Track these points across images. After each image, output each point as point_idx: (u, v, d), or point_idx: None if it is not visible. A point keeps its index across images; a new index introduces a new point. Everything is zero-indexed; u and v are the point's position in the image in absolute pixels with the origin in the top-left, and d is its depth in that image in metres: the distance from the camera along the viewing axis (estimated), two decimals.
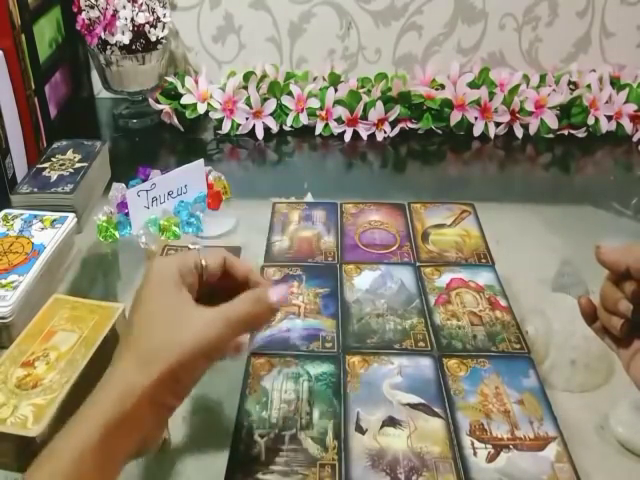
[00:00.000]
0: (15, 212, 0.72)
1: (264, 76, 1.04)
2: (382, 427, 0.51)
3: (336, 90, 1.00)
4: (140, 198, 0.74)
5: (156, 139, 1.02)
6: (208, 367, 0.43)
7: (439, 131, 1.01)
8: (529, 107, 0.99)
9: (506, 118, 1.00)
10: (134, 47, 0.96)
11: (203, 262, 0.46)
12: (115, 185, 0.79)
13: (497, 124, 1.00)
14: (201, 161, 0.79)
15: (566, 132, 1.01)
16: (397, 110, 0.99)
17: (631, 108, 0.99)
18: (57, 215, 0.71)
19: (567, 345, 0.57)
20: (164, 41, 0.98)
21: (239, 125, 1.00)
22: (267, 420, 0.51)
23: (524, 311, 0.63)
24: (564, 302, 0.63)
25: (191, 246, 0.46)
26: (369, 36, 1.07)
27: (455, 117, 0.99)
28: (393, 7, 1.05)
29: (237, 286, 0.47)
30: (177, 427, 0.53)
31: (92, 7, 0.94)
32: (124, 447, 0.40)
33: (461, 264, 0.68)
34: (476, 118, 1.00)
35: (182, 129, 1.01)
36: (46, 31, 0.96)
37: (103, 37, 0.94)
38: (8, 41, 0.81)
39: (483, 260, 0.69)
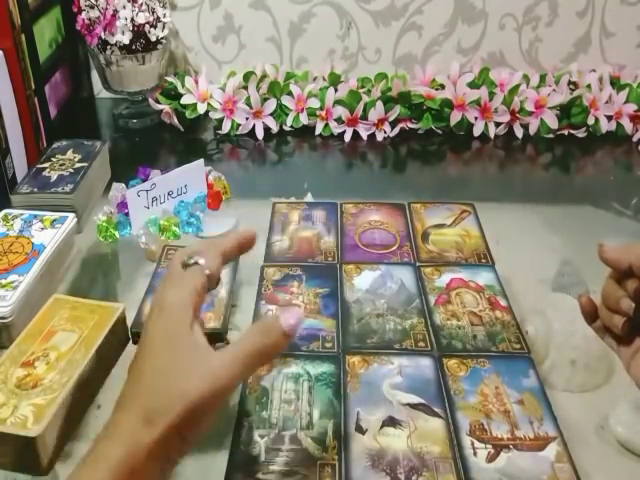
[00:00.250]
0: (15, 212, 0.72)
1: (264, 76, 1.04)
2: (382, 427, 0.51)
3: (336, 90, 1.00)
4: (140, 198, 0.74)
5: (156, 139, 1.02)
6: (218, 410, 0.42)
7: (439, 131, 1.01)
8: (529, 107, 0.99)
9: (506, 118, 1.00)
10: (134, 47, 0.96)
11: (207, 272, 0.45)
12: (115, 185, 0.79)
13: (497, 124, 1.00)
14: (201, 161, 0.79)
15: (566, 132, 1.01)
16: (397, 110, 0.99)
17: (631, 108, 0.99)
18: (57, 215, 0.71)
19: (567, 345, 0.57)
20: (164, 41, 0.98)
21: (239, 125, 1.00)
22: (267, 420, 0.51)
23: (524, 311, 0.63)
24: (564, 302, 0.63)
25: (197, 259, 0.44)
26: (369, 36, 1.07)
27: (455, 117, 0.99)
28: (393, 7, 1.05)
29: None
30: None
31: (92, 7, 0.94)
32: None
33: (461, 264, 0.68)
34: (476, 118, 1.00)
35: (182, 129, 1.01)
36: (46, 31, 0.96)
37: (103, 37, 0.94)
38: (8, 41, 0.81)
39: (483, 260, 0.69)
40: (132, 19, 0.94)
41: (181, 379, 0.40)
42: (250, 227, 0.75)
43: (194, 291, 0.44)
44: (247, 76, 1.02)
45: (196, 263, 0.45)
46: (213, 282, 0.46)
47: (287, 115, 1.01)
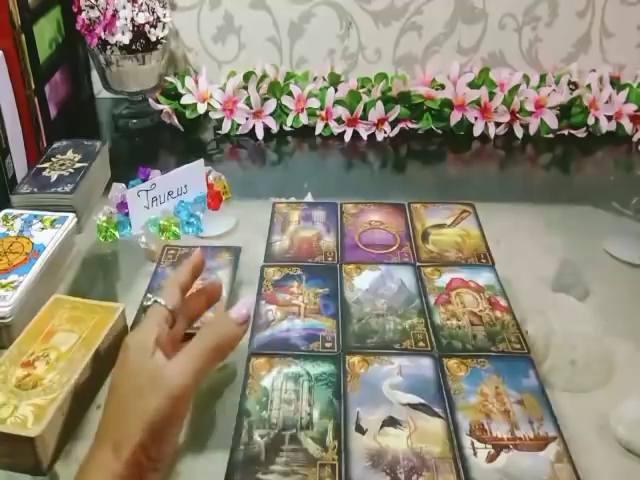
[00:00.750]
0: (15, 212, 0.72)
1: (264, 76, 1.04)
2: (382, 427, 0.51)
3: (336, 90, 1.01)
4: (140, 198, 0.74)
5: (156, 139, 1.02)
6: (187, 409, 0.45)
7: (439, 131, 1.01)
8: (529, 107, 0.99)
9: (506, 118, 1.00)
10: (134, 47, 0.96)
11: (169, 307, 0.48)
12: (115, 185, 0.79)
13: (497, 124, 1.00)
14: (201, 161, 0.79)
15: (566, 132, 1.01)
16: (397, 110, 0.99)
17: (631, 108, 0.99)
18: (57, 215, 0.71)
19: (567, 345, 0.57)
20: (164, 41, 0.98)
21: (239, 125, 1.00)
22: (267, 420, 0.51)
23: (524, 311, 0.63)
24: (564, 302, 0.63)
25: (154, 297, 0.48)
26: (369, 36, 1.07)
27: (455, 117, 0.99)
28: (393, 7, 1.05)
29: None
30: None
31: (92, 7, 0.94)
32: None
33: (461, 264, 0.68)
34: (476, 118, 1.00)
35: (182, 129, 1.01)
36: (46, 31, 0.96)
37: (103, 37, 0.94)
38: (8, 41, 0.81)
39: (483, 260, 0.69)
40: (132, 19, 0.94)
41: (137, 401, 0.43)
42: (250, 227, 0.75)
43: (154, 326, 0.47)
44: (247, 76, 1.02)
45: (155, 301, 0.49)
46: (177, 313, 0.49)
47: (287, 115, 1.01)
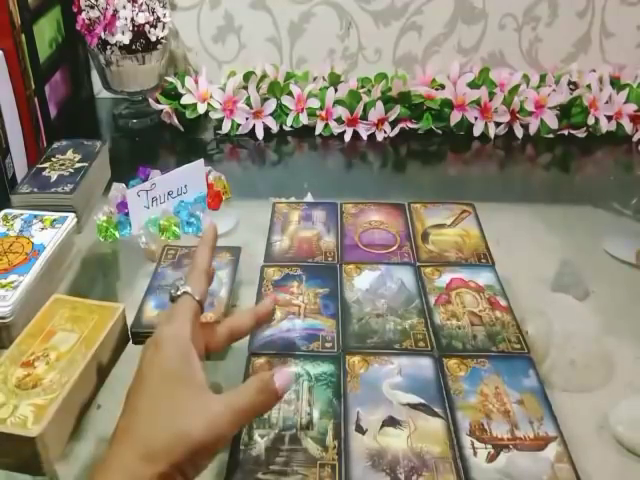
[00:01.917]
0: (15, 212, 0.72)
1: (264, 76, 1.04)
2: (382, 427, 0.51)
3: (336, 90, 1.00)
4: (140, 198, 0.74)
5: (156, 139, 1.02)
6: (213, 459, 0.43)
7: (439, 131, 1.01)
8: (529, 107, 0.99)
9: (506, 118, 1.00)
10: (134, 47, 0.96)
11: (198, 298, 0.47)
12: (115, 185, 0.79)
13: (497, 124, 1.00)
14: (201, 161, 0.79)
15: (566, 132, 1.01)
16: (397, 110, 0.99)
17: (631, 108, 0.99)
18: (57, 215, 0.71)
19: (567, 345, 0.57)
20: (164, 41, 0.99)
21: (239, 125, 1.00)
22: (267, 420, 0.51)
23: (524, 311, 0.63)
24: (564, 302, 0.63)
25: (183, 288, 0.48)
26: (369, 36, 1.07)
27: (455, 117, 0.99)
28: (393, 7, 1.05)
29: None
30: None
31: (92, 7, 0.94)
32: None
33: (461, 264, 0.68)
34: (476, 118, 1.00)
35: (182, 129, 1.01)
36: (46, 31, 0.96)
37: (103, 37, 0.94)
38: (8, 41, 0.81)
39: (483, 260, 0.69)
40: (132, 19, 0.94)
41: (183, 420, 0.41)
42: (250, 227, 0.75)
43: (187, 321, 0.45)
44: (247, 76, 1.02)
45: (185, 292, 0.48)
46: (204, 304, 0.48)
47: (287, 115, 1.01)
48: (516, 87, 1.00)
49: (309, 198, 0.82)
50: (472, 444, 0.49)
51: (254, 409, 0.44)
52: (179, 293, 0.48)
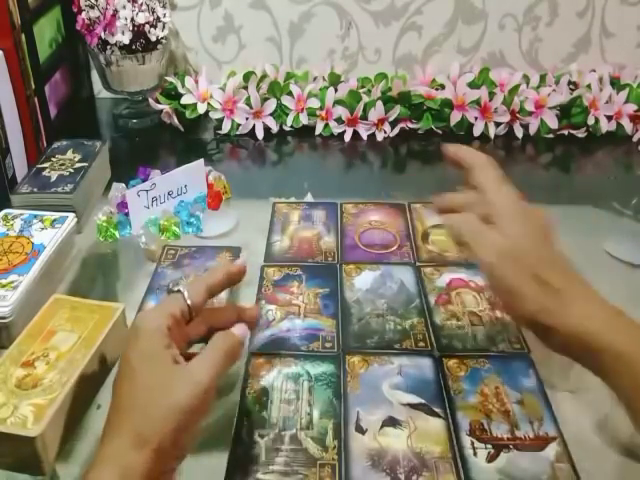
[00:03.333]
0: (15, 212, 0.72)
1: (264, 76, 1.04)
2: (382, 427, 0.51)
3: (336, 90, 1.00)
4: (140, 198, 0.74)
5: (156, 139, 1.02)
6: (206, 413, 0.44)
7: (439, 131, 1.01)
8: (529, 107, 0.99)
9: (506, 118, 1.00)
10: (134, 47, 0.96)
11: (189, 302, 0.47)
12: (115, 185, 0.79)
13: (497, 124, 1.00)
14: (201, 161, 0.79)
15: (566, 132, 1.01)
16: (397, 110, 0.99)
17: (631, 108, 0.99)
18: (57, 215, 0.71)
19: None
20: (164, 41, 0.98)
21: (239, 125, 1.00)
22: (267, 420, 0.51)
23: None
24: None
25: (180, 287, 0.48)
26: (369, 36, 1.07)
27: (455, 117, 0.99)
28: (393, 7, 1.05)
29: None
30: None
31: (92, 7, 0.94)
32: None
33: (461, 264, 0.68)
34: (476, 118, 1.00)
35: (182, 129, 1.01)
36: (46, 31, 0.96)
37: (103, 37, 0.94)
38: (8, 41, 0.81)
39: None
40: (132, 19, 0.94)
41: (166, 394, 0.42)
42: (250, 227, 0.75)
43: (170, 316, 0.46)
44: (247, 76, 1.02)
45: (179, 291, 0.48)
46: (194, 312, 0.48)
47: (287, 115, 1.01)
48: (516, 87, 1.00)
49: (309, 198, 0.82)
50: (472, 444, 0.49)
51: (226, 355, 0.45)
52: (175, 289, 0.48)
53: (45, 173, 0.79)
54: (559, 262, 0.47)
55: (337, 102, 1.00)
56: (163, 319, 0.45)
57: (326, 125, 1.00)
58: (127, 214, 0.74)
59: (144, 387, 0.42)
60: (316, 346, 0.58)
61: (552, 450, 0.49)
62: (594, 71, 1.04)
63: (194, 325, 0.49)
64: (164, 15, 0.97)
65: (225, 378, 0.57)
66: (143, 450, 0.40)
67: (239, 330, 0.48)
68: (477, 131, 1.00)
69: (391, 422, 0.51)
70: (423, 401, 0.53)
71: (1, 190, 0.79)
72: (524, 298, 0.45)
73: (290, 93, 1.01)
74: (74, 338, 0.55)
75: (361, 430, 0.51)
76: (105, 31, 0.94)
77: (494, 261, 0.46)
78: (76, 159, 0.82)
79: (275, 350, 0.58)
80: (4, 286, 0.61)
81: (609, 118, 0.99)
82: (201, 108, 1.00)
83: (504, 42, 1.08)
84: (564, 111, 1.00)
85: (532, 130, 1.00)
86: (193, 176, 0.78)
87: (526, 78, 1.04)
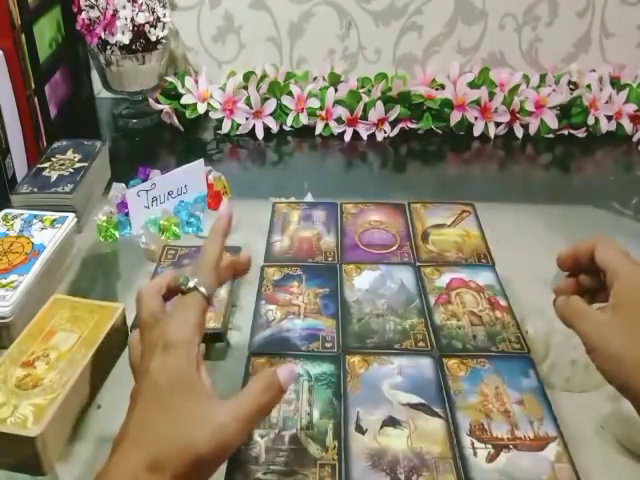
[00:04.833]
0: (15, 212, 0.72)
1: (264, 76, 1.04)
2: (382, 427, 0.51)
3: (336, 90, 1.00)
4: (140, 198, 0.74)
5: (156, 139, 1.02)
6: (223, 462, 0.42)
7: (439, 131, 1.01)
8: (529, 107, 0.99)
9: (506, 118, 1.00)
10: (134, 47, 0.96)
11: (207, 294, 0.45)
12: (115, 185, 0.79)
13: (497, 124, 1.00)
14: (201, 161, 0.79)
15: (566, 132, 1.01)
16: (397, 110, 0.99)
17: (631, 108, 0.99)
18: (57, 215, 0.71)
19: (567, 345, 0.57)
20: (164, 41, 0.98)
21: (239, 125, 1.00)
22: (267, 420, 0.51)
23: (524, 311, 0.63)
24: None
25: (194, 282, 0.45)
26: (369, 36, 1.07)
27: (455, 117, 0.99)
28: (393, 7, 1.05)
29: None
30: None
31: (92, 7, 0.94)
32: None
33: (461, 264, 0.68)
34: (476, 118, 1.00)
35: (182, 129, 1.01)
36: (46, 31, 0.96)
37: (103, 37, 0.94)
38: (8, 41, 0.81)
39: (483, 260, 0.69)
40: (132, 19, 0.94)
41: (189, 430, 0.40)
42: (250, 227, 0.75)
43: (198, 325, 0.43)
44: (247, 76, 1.02)
45: (195, 288, 0.45)
46: (212, 299, 0.46)
47: (287, 115, 1.01)
48: (516, 87, 1.00)
49: (309, 198, 0.82)
50: (472, 444, 0.49)
51: (259, 411, 0.42)
52: (189, 286, 0.45)
53: (45, 173, 0.79)
54: None
55: (337, 102, 1.00)
56: (192, 331, 0.43)
57: (326, 125, 1.00)
58: (127, 214, 0.74)
59: (169, 415, 0.40)
60: (316, 346, 0.58)
61: (552, 450, 0.49)
62: (594, 71, 1.04)
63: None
64: (164, 15, 0.97)
65: (225, 378, 0.57)
66: (157, 474, 0.38)
67: (283, 374, 0.43)
68: (477, 131, 1.00)
69: (391, 422, 0.51)
70: (423, 401, 0.53)
71: (1, 190, 0.79)
72: None
73: (290, 93, 1.01)
74: (74, 338, 0.55)
75: (361, 430, 0.51)
76: (105, 31, 0.94)
77: None
78: (76, 159, 0.82)
79: (275, 350, 0.58)
80: (4, 286, 0.61)
81: (609, 118, 0.99)
82: (201, 108, 1.00)
83: (504, 42, 1.08)
84: (564, 111, 1.00)
85: (532, 130, 1.00)
86: (193, 176, 0.78)
87: (526, 78, 1.04)
